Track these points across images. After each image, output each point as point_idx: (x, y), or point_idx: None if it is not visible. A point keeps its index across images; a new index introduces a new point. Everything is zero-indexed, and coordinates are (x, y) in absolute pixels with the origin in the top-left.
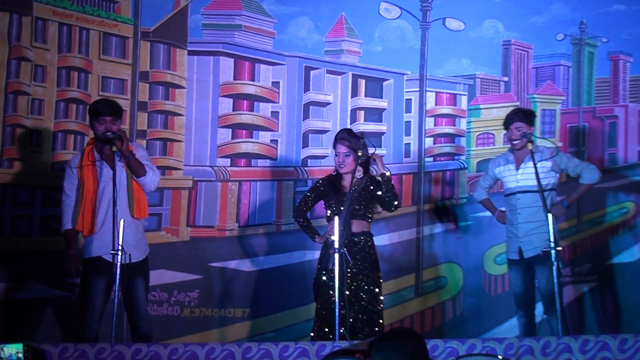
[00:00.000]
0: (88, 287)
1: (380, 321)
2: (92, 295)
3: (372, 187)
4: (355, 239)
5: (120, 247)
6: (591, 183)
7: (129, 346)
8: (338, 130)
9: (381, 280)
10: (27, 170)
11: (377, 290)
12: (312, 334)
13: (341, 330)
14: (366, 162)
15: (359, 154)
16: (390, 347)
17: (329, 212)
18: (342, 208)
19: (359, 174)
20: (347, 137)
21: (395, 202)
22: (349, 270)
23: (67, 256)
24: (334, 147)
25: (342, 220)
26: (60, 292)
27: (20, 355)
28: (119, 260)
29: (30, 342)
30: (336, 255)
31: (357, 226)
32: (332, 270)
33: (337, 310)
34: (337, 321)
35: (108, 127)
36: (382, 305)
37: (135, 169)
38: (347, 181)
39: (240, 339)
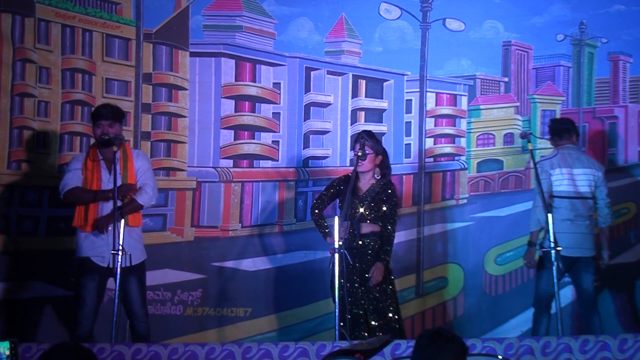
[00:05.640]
0: (80, 285)
1: (397, 317)
2: (83, 293)
3: (379, 194)
4: (367, 240)
5: (120, 248)
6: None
7: (128, 346)
8: (338, 131)
9: (392, 277)
10: (34, 171)
11: (384, 285)
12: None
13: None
14: (381, 165)
15: (359, 154)
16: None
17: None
18: (353, 210)
19: (377, 175)
20: (367, 138)
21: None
22: (359, 272)
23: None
24: (353, 147)
25: (342, 224)
26: (66, 291)
27: (8, 353)
28: (119, 261)
29: (35, 341)
30: (336, 255)
31: (367, 228)
32: (333, 271)
33: (337, 310)
34: (337, 321)
35: (104, 130)
36: (395, 302)
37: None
38: (362, 183)
39: (242, 339)
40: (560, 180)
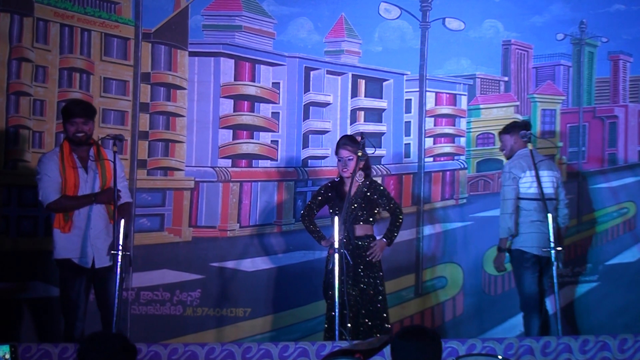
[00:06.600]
0: (67, 288)
1: (387, 317)
2: (72, 295)
3: (369, 194)
4: (359, 242)
5: (120, 248)
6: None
7: None
8: (338, 131)
9: (383, 280)
10: (31, 171)
11: (380, 288)
12: (325, 334)
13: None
14: (365, 166)
15: (359, 154)
16: (407, 346)
17: (335, 217)
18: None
19: (360, 178)
20: (349, 143)
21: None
22: (352, 273)
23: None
24: (337, 153)
25: (342, 225)
26: None
27: (8, 356)
28: (119, 260)
29: (35, 341)
30: (336, 255)
31: (360, 230)
32: (332, 271)
33: (337, 310)
34: (336, 321)
35: (79, 128)
36: (385, 303)
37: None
38: (348, 186)
39: (241, 339)
40: (531, 183)
